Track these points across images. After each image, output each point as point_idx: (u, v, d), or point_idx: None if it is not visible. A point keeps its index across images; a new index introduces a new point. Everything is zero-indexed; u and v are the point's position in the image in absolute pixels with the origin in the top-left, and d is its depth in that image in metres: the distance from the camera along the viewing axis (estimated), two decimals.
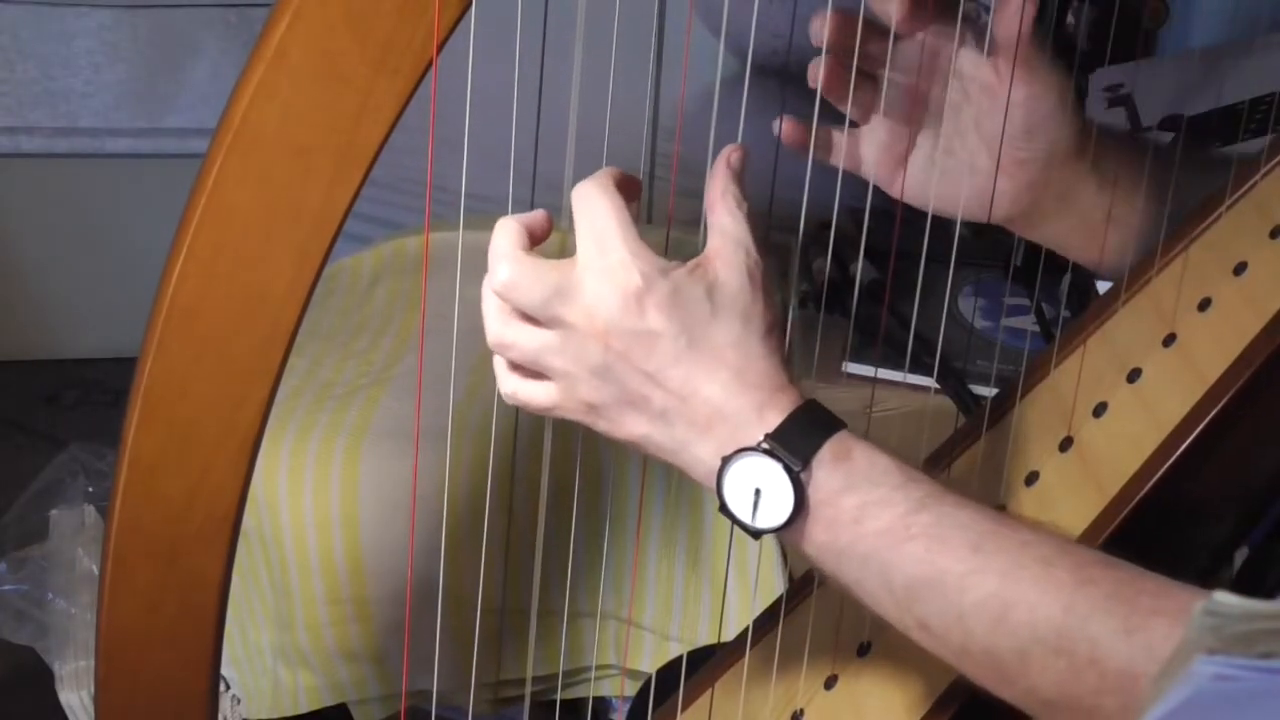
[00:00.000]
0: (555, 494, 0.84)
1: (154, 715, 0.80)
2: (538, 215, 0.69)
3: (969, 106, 0.84)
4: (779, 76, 0.76)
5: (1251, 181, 0.86)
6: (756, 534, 0.69)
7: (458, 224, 0.72)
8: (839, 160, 0.84)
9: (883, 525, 0.67)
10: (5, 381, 2.33)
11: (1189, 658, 0.40)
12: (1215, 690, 0.40)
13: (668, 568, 1.41)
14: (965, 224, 0.86)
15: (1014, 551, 0.66)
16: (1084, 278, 1.02)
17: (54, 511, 1.86)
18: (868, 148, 0.86)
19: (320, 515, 1.35)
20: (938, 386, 1.26)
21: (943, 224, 0.84)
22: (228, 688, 1.53)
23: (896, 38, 0.82)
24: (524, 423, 1.05)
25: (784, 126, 0.82)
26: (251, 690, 1.49)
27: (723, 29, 0.70)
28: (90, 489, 1.89)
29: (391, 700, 1.42)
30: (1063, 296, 1.16)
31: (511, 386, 0.70)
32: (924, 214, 0.84)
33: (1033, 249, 0.92)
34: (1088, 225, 0.87)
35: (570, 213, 0.69)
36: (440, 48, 0.66)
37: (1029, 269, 1.11)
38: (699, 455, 0.69)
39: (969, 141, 0.85)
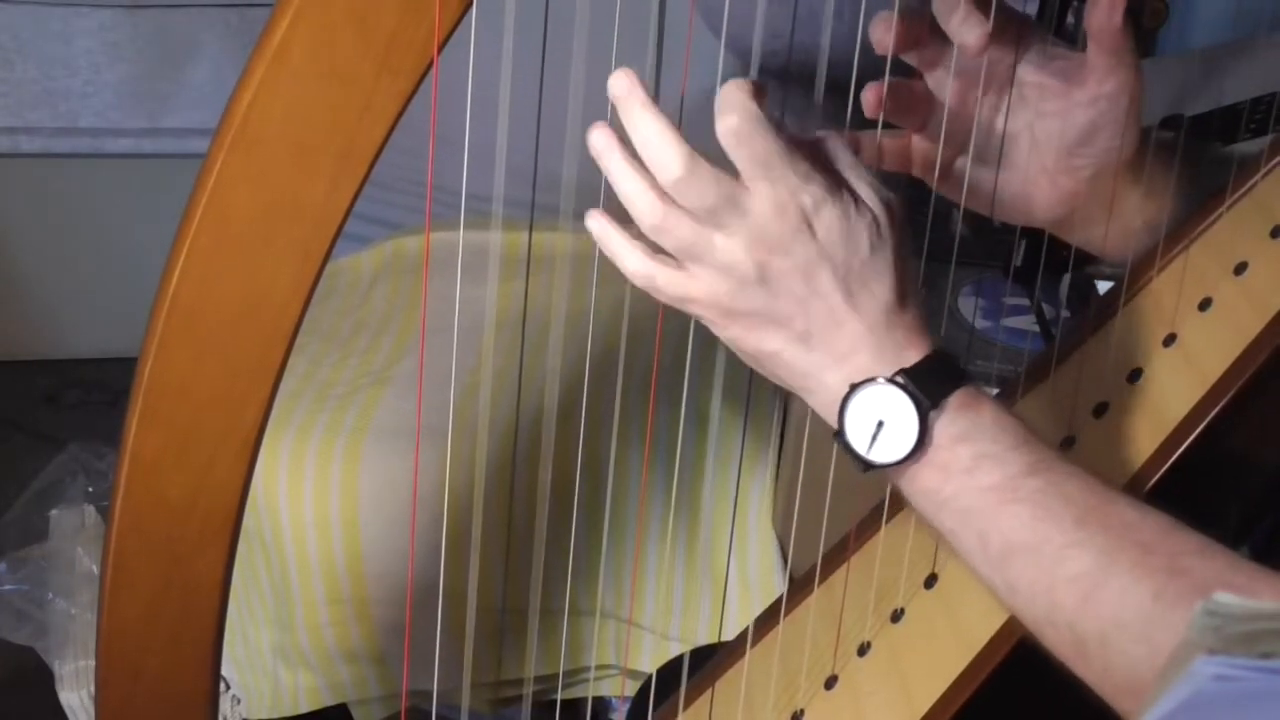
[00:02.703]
0: (555, 494, 0.84)
1: (154, 715, 0.80)
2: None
3: (1024, 110, 0.82)
4: (779, 76, 0.75)
5: (1252, 181, 0.86)
6: (867, 466, 0.69)
7: (458, 224, 0.72)
8: (891, 165, 0.82)
9: (993, 482, 0.67)
10: (5, 381, 2.33)
11: (1189, 658, 0.40)
12: (1215, 690, 0.40)
13: (668, 568, 1.41)
14: (965, 223, 0.85)
15: (1116, 531, 0.65)
16: (1084, 278, 1.02)
17: (54, 511, 1.87)
18: (917, 150, 0.84)
19: (320, 516, 1.35)
20: None
21: (942, 223, 0.84)
22: (228, 688, 1.53)
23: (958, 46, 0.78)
24: (524, 422, 1.05)
25: (868, 96, 0.79)
26: (251, 690, 1.49)
27: (724, 28, 0.70)
28: (90, 489, 1.89)
29: (391, 700, 1.42)
30: (1063, 297, 1.16)
31: (648, 269, 0.68)
32: (924, 213, 0.83)
33: (1033, 249, 0.92)
34: (1125, 231, 0.85)
35: (568, 212, 0.69)
36: (441, 47, 0.65)
37: (1029, 269, 1.11)
38: (827, 382, 0.69)
39: (1020, 145, 0.83)
